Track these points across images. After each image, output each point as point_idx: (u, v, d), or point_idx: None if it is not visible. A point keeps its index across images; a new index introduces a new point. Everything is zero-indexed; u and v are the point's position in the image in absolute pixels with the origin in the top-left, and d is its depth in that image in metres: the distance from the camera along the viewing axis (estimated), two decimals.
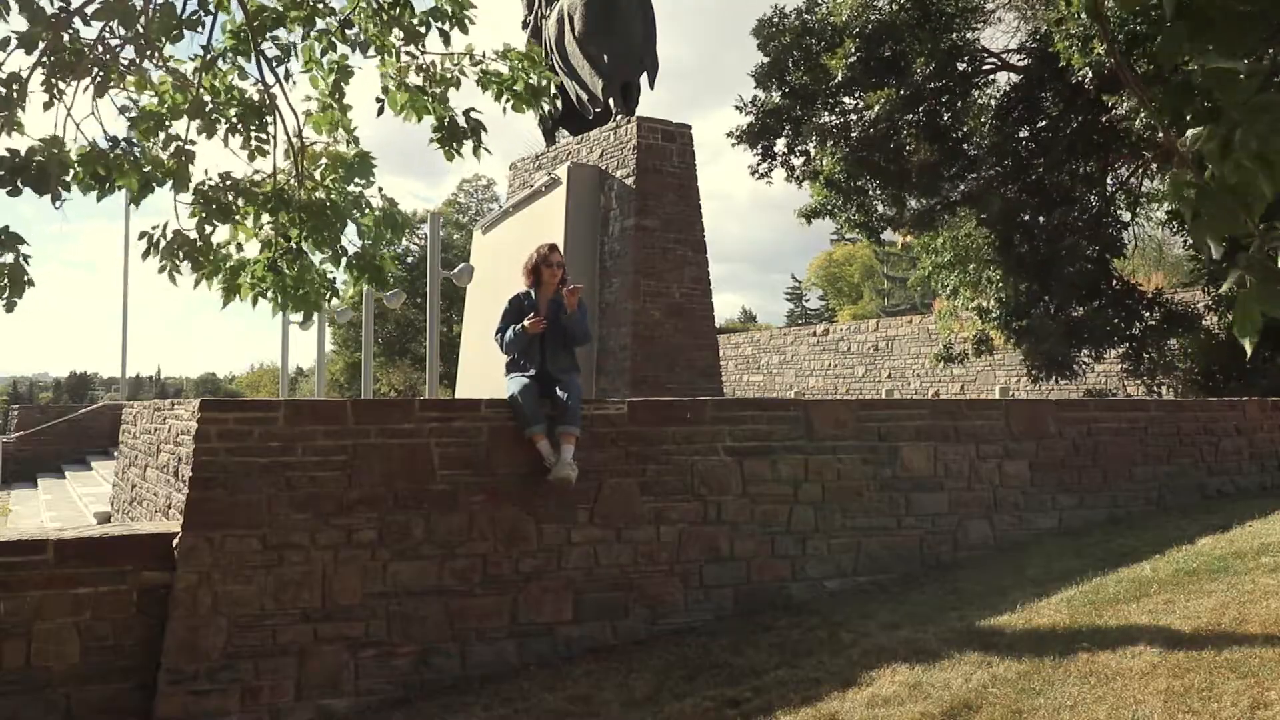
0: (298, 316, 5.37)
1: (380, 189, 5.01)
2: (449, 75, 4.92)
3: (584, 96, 14.36)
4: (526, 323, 5.89)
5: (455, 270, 14.83)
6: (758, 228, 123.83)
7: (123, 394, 31.01)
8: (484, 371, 13.19)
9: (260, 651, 5.02)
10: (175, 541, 5.02)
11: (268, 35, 4.85)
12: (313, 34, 4.96)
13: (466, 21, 4.84)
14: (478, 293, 15.07)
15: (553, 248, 6.22)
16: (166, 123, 4.77)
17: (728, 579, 6.07)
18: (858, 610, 5.73)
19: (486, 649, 5.46)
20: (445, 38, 4.84)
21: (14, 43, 4.22)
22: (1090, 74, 11.98)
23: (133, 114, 4.82)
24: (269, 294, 5.01)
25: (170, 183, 4.74)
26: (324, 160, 4.97)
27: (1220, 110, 1.61)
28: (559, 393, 5.77)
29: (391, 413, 5.50)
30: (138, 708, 4.90)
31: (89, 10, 4.47)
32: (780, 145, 16.24)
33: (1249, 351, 1.96)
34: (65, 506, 13.66)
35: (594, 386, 12.43)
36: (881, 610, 5.66)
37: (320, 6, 4.91)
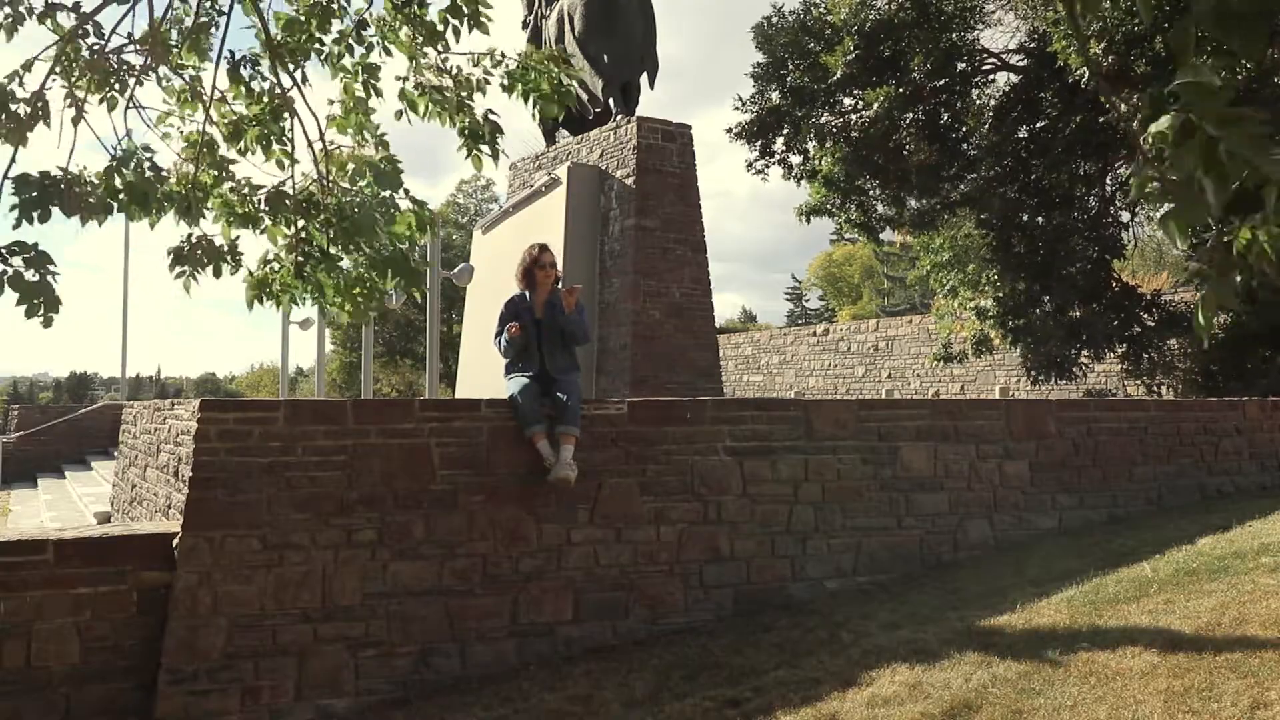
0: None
1: (407, 190, 4.93)
2: (473, 79, 4.86)
3: (584, 96, 14.35)
4: (506, 333, 5.90)
5: (455, 270, 14.82)
6: (758, 227, 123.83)
7: (123, 394, 30.95)
8: (484, 371, 13.19)
9: (260, 651, 5.02)
10: (175, 541, 5.02)
11: (290, 42, 4.79)
12: (329, 38, 4.90)
13: (484, 20, 4.78)
14: (478, 293, 15.07)
15: (543, 248, 6.19)
16: (213, 143, 4.72)
17: (728, 579, 6.07)
18: (858, 610, 5.73)
19: (486, 649, 5.46)
20: (456, 34, 4.76)
21: (41, 60, 4.22)
22: (1088, 74, 11.98)
23: (175, 140, 4.80)
24: (299, 298, 4.93)
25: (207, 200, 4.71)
26: (351, 165, 4.89)
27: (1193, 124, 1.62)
28: (558, 393, 5.78)
29: (391, 413, 5.50)
30: (138, 708, 4.90)
31: (133, 41, 4.46)
32: (779, 144, 16.23)
33: (1205, 344, 1.97)
34: (65, 506, 13.65)
35: (594, 386, 12.43)
36: (881, 610, 5.66)
37: (335, 8, 4.86)
